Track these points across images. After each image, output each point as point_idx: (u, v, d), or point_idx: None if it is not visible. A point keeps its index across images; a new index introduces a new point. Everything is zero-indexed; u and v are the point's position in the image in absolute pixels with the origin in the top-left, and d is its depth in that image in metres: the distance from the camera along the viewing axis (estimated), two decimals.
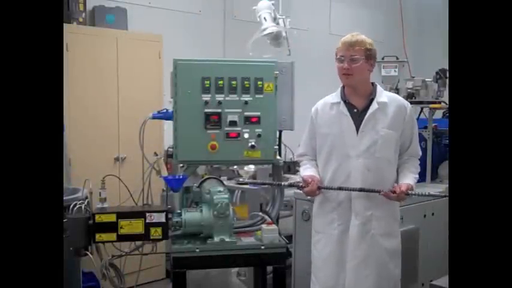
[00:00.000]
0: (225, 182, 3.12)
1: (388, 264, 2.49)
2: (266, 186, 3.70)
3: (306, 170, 2.61)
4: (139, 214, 2.33)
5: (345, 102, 2.52)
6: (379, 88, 2.54)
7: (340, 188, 2.44)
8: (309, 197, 2.72)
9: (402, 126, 2.49)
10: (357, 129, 2.46)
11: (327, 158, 2.54)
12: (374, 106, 2.46)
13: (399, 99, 2.59)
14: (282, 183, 2.71)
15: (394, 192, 2.40)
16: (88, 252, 2.32)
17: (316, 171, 2.59)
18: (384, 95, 2.51)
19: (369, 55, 2.47)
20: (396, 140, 2.49)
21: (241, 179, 2.75)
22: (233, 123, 2.59)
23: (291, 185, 2.73)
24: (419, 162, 2.62)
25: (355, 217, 2.46)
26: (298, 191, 3.44)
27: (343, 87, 2.56)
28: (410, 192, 2.41)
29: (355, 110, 2.50)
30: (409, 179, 2.49)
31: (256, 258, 2.50)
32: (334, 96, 2.57)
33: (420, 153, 2.62)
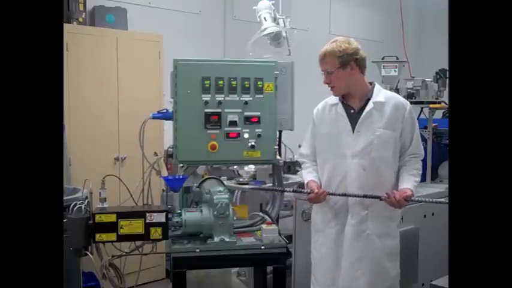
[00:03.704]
0: (225, 182, 3.12)
1: (384, 264, 2.48)
2: (267, 186, 3.71)
3: (308, 175, 2.62)
4: (139, 214, 2.32)
5: (343, 103, 2.53)
6: (377, 88, 2.53)
7: (344, 194, 2.45)
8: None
9: (401, 125, 2.47)
10: (353, 130, 2.47)
11: (325, 158, 2.56)
12: (369, 106, 2.47)
13: (398, 98, 2.56)
14: (289, 189, 2.78)
15: (389, 197, 2.38)
16: (88, 252, 2.32)
17: (317, 175, 2.61)
18: (381, 95, 2.50)
19: (345, 61, 2.43)
20: (395, 140, 2.47)
21: (247, 186, 2.80)
22: (233, 123, 2.59)
23: (295, 191, 2.75)
24: (421, 162, 2.59)
25: (351, 217, 2.47)
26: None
27: None
28: (410, 199, 2.38)
29: (352, 111, 2.51)
30: (408, 182, 2.45)
31: (256, 258, 2.50)
32: (334, 98, 2.58)
33: (422, 152, 2.59)
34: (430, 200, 2.48)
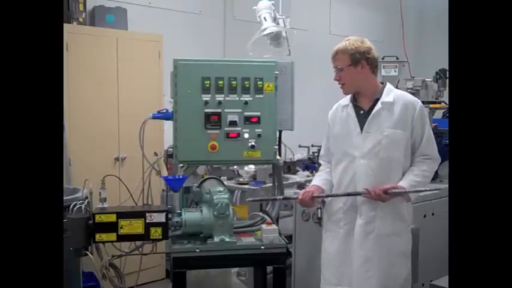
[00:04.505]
0: (225, 182, 3.12)
1: (394, 265, 2.47)
2: (267, 186, 3.72)
3: (316, 179, 2.65)
4: (139, 214, 2.33)
5: (353, 104, 2.53)
6: (387, 88, 2.51)
7: (328, 196, 2.52)
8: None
9: (411, 125, 2.45)
10: (362, 130, 2.47)
11: (337, 159, 2.56)
12: (378, 106, 2.46)
13: (407, 97, 2.53)
14: (278, 197, 2.79)
15: (368, 192, 2.37)
16: (88, 252, 2.32)
17: (327, 178, 2.62)
18: (391, 95, 2.48)
19: (356, 59, 2.43)
20: (406, 140, 2.44)
21: (250, 198, 2.80)
22: (233, 123, 2.59)
23: (285, 198, 2.80)
24: (433, 165, 2.50)
25: (359, 217, 2.46)
26: (299, 191, 3.47)
27: None
28: (390, 191, 2.36)
29: (362, 112, 2.50)
30: (404, 181, 2.43)
31: (256, 258, 2.50)
32: (346, 99, 2.59)
33: (435, 154, 2.50)
34: (411, 190, 2.39)
